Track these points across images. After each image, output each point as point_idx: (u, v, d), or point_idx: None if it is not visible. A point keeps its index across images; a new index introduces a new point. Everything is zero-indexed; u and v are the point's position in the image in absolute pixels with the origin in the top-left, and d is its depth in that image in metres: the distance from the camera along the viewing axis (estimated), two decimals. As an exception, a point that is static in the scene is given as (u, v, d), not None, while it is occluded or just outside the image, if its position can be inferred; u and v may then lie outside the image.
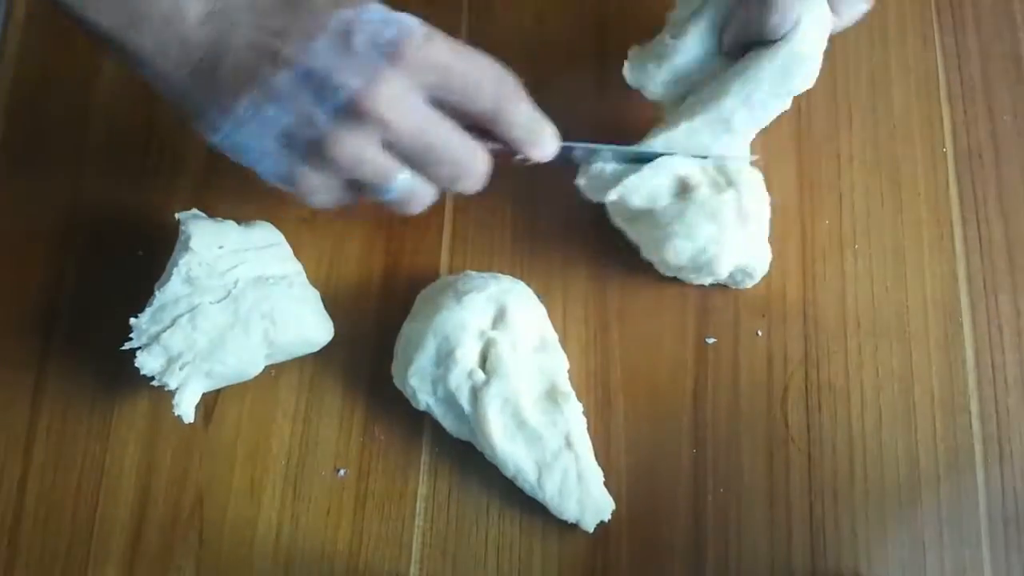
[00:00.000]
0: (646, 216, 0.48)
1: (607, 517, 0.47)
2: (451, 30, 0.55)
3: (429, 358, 0.47)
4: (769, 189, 0.53)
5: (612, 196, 0.48)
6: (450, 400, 0.47)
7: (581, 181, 0.49)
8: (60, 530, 0.49)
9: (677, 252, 0.47)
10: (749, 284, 0.50)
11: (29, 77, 0.57)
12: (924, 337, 0.50)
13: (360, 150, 0.39)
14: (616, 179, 0.48)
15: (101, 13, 0.38)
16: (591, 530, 0.47)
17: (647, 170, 0.47)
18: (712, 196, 0.47)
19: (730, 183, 0.47)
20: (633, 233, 0.50)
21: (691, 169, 0.47)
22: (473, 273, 0.50)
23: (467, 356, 0.46)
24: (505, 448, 0.46)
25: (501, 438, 0.46)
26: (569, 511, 0.46)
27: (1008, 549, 0.47)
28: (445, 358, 0.46)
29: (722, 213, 0.46)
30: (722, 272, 0.47)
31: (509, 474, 0.47)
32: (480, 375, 0.46)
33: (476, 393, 0.46)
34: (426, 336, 0.46)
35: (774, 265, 0.51)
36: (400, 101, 0.39)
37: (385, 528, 0.48)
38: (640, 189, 0.47)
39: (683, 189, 0.47)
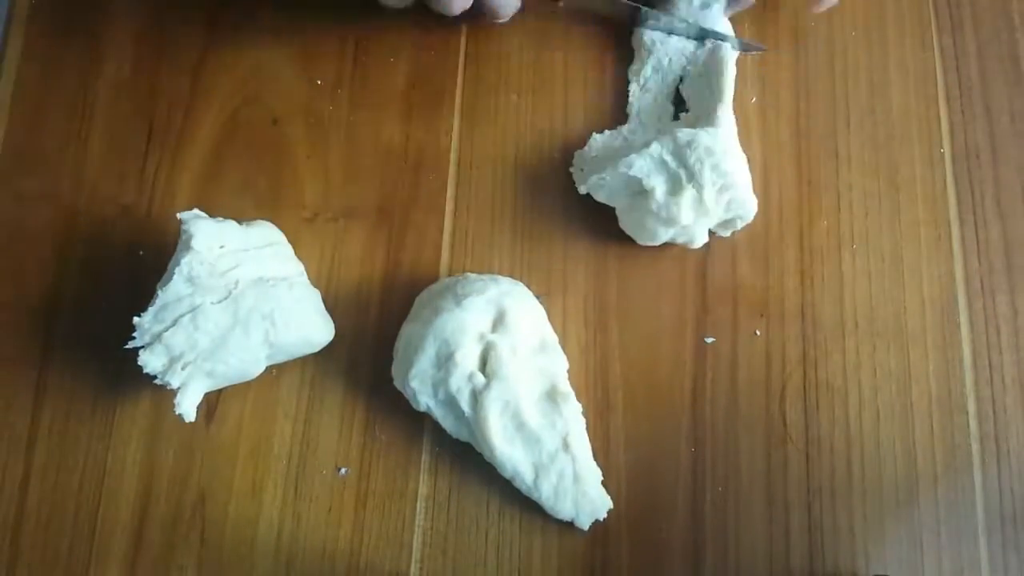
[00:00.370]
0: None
1: (602, 516, 0.47)
2: (450, 30, 0.56)
3: (429, 361, 0.47)
4: (768, 189, 0.53)
5: (582, 190, 0.51)
6: (450, 402, 0.47)
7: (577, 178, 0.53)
8: (62, 530, 0.49)
9: (648, 241, 0.51)
10: (741, 226, 0.51)
11: (31, 77, 0.57)
12: (922, 337, 0.50)
13: None
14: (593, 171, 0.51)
15: None
16: (586, 528, 0.47)
17: (607, 171, 0.49)
18: (666, 203, 0.48)
19: (691, 177, 0.48)
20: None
21: (647, 169, 0.48)
22: (472, 275, 0.50)
23: (467, 359, 0.46)
24: (504, 450, 0.46)
25: (500, 441, 0.46)
26: (564, 511, 0.47)
27: (1006, 548, 0.47)
28: (445, 361, 0.46)
29: (678, 217, 0.48)
30: (699, 243, 0.50)
31: (507, 475, 0.47)
32: (480, 378, 0.46)
33: (476, 396, 0.46)
34: (426, 339, 0.47)
35: (772, 265, 0.52)
36: None
37: (386, 527, 0.48)
38: (600, 188, 0.51)
39: (640, 191, 0.49)
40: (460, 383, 0.46)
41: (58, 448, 0.50)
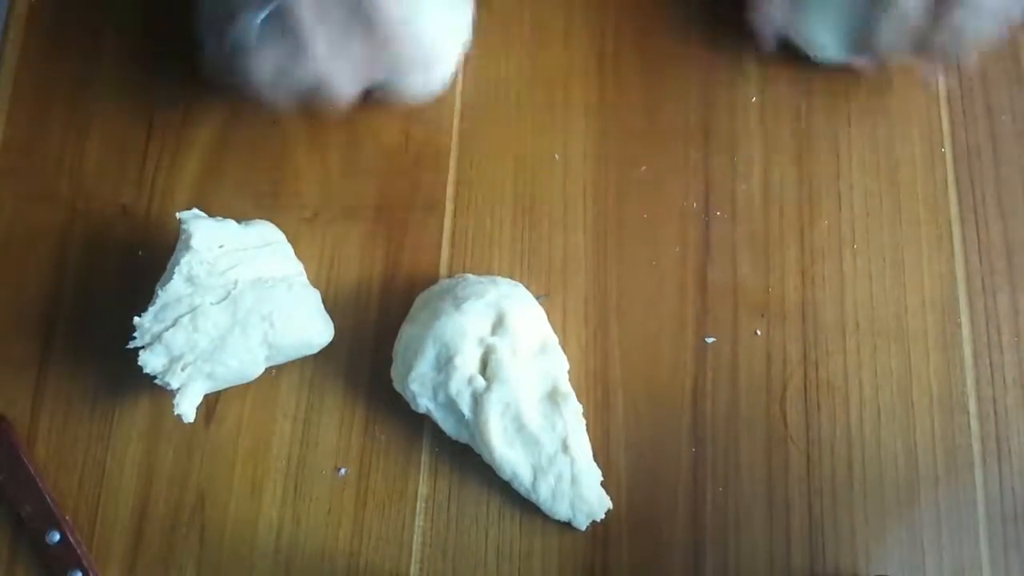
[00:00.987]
0: None
1: (600, 517, 0.47)
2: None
3: (429, 364, 0.47)
4: (768, 189, 0.53)
5: None
6: (450, 405, 0.47)
7: None
8: (62, 530, 0.49)
9: None
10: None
11: (30, 77, 0.57)
12: (923, 337, 0.50)
13: None
14: None
15: None
16: (583, 528, 0.47)
17: None
18: None
19: None
20: None
21: None
22: (472, 277, 0.50)
23: (467, 363, 0.46)
24: (504, 453, 0.46)
25: (500, 443, 0.46)
26: (561, 512, 0.47)
27: (1007, 547, 0.47)
28: (445, 365, 0.46)
29: None
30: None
31: (506, 477, 0.47)
32: (480, 381, 0.46)
33: (477, 399, 0.46)
34: (426, 342, 0.46)
35: (772, 265, 0.51)
36: None
37: (386, 527, 0.48)
38: None
39: None
40: (460, 386, 0.46)
41: (57, 448, 0.50)
